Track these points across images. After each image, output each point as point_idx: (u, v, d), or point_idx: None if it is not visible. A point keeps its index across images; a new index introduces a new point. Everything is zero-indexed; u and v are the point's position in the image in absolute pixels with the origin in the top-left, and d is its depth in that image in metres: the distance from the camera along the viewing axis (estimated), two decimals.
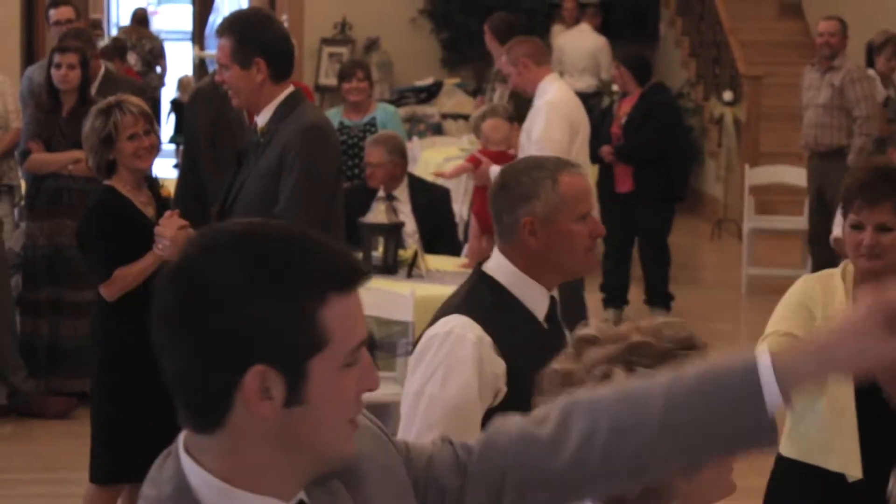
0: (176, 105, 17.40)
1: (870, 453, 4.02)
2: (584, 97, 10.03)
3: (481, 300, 3.48)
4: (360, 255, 6.47)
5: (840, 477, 4.07)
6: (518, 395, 3.18)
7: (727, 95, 13.86)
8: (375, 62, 15.28)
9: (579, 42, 15.00)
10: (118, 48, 13.10)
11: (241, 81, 5.00)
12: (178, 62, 19.93)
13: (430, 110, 14.21)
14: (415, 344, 3.58)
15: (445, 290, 4.56)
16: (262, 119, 5.06)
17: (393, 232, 6.93)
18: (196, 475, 1.84)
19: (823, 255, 9.37)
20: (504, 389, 3.41)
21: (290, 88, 5.08)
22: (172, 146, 17.19)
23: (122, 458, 5.29)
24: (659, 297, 10.33)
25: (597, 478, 2.01)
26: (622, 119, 10.12)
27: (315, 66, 16.11)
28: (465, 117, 13.20)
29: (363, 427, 1.96)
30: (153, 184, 5.58)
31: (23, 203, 8.18)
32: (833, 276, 4.08)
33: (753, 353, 1.98)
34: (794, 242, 11.93)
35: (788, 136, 12.45)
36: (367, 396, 1.89)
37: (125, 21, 20.47)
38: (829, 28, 10.41)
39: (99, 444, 5.38)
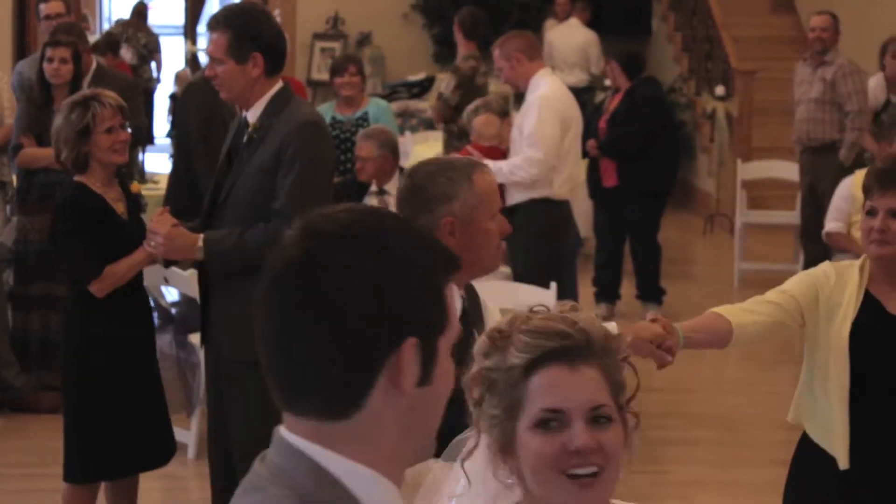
0: (175, 100, 17.37)
1: (861, 442, 4.03)
2: (576, 92, 10.02)
3: None
4: None
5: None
6: None
7: (719, 90, 13.87)
8: (367, 57, 15.28)
9: (569, 37, 15.01)
10: (110, 43, 13.05)
11: (236, 76, 4.97)
12: (170, 57, 19.90)
13: (423, 105, 14.18)
14: None
15: None
16: (252, 114, 5.03)
17: None
18: (339, 465, 1.75)
19: (815, 249, 9.38)
20: None
21: (280, 83, 5.06)
22: (170, 141, 17.17)
23: (95, 456, 5.27)
24: (650, 292, 10.34)
25: None
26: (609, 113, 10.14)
27: (307, 61, 16.11)
28: None
29: None
30: (123, 180, 5.52)
31: (15, 198, 8.16)
32: (852, 267, 4.12)
33: None
34: (787, 237, 11.95)
35: (780, 131, 12.46)
36: None
37: (116, 16, 20.44)
38: (821, 23, 10.41)
39: (72, 443, 5.33)
